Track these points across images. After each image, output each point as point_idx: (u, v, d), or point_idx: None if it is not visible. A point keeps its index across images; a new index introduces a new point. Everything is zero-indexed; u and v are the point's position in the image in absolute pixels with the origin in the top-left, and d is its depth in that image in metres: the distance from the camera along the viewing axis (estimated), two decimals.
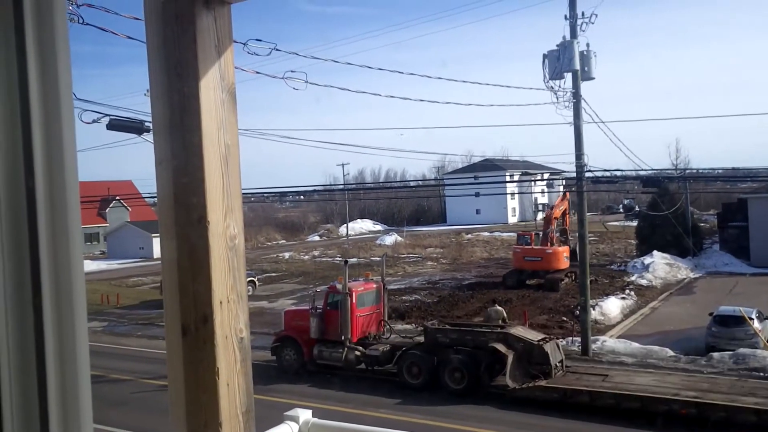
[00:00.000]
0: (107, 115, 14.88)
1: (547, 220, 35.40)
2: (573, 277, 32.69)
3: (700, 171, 51.64)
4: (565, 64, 21.58)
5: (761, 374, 18.03)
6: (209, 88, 1.46)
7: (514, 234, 44.52)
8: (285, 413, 2.80)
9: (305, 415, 2.80)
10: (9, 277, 0.95)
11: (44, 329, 0.97)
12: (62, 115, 0.99)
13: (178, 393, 1.47)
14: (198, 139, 1.43)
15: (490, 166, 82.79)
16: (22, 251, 0.96)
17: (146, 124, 15.28)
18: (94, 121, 14.43)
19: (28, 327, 0.96)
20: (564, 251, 33.96)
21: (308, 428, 2.78)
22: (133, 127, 15.57)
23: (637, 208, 65.78)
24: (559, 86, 21.79)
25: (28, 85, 0.96)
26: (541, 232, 35.12)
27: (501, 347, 17.19)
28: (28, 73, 0.96)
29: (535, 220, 37.58)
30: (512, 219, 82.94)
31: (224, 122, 1.50)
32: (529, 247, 34.24)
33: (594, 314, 25.03)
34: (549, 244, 34.57)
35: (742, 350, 19.57)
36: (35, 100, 0.97)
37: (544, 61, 22.00)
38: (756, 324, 20.54)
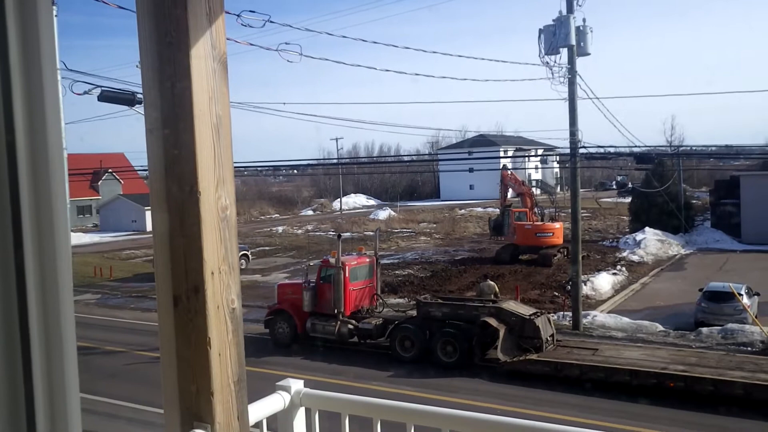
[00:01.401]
0: (99, 86, 14.74)
1: (530, 196, 35.62)
2: (565, 253, 32.87)
3: (694, 148, 51.69)
4: (561, 39, 21.44)
5: (749, 349, 18.27)
6: (200, 58, 1.45)
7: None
8: (277, 383, 2.82)
9: (297, 385, 2.82)
10: None
11: (28, 301, 0.96)
12: (44, 75, 0.97)
13: (170, 362, 1.48)
14: (189, 108, 1.42)
15: (484, 141, 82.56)
16: (4, 218, 0.95)
17: (138, 96, 15.14)
18: (85, 93, 14.30)
19: (11, 296, 0.96)
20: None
21: (300, 398, 2.81)
22: (125, 98, 15.42)
23: (630, 185, 65.93)
24: (555, 62, 21.70)
25: (8, 44, 0.94)
26: (526, 209, 35.27)
27: (493, 321, 17.33)
28: (7, 32, 0.94)
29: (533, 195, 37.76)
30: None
31: (216, 92, 1.48)
32: (541, 223, 34.25)
33: (585, 289, 25.22)
34: (540, 219, 34.83)
35: (730, 325, 19.81)
36: (15, 59, 0.94)
37: (539, 36, 21.84)
38: (745, 300, 20.77)
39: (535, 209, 35.30)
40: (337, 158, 73.05)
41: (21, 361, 0.96)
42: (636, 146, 31.50)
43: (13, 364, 0.95)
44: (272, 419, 2.79)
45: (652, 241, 37.05)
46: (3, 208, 0.94)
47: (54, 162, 0.96)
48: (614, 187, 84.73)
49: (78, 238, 52.83)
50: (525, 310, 18.10)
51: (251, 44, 14.93)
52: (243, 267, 32.58)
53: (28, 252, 0.96)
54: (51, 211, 0.97)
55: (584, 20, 22.03)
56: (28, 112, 0.95)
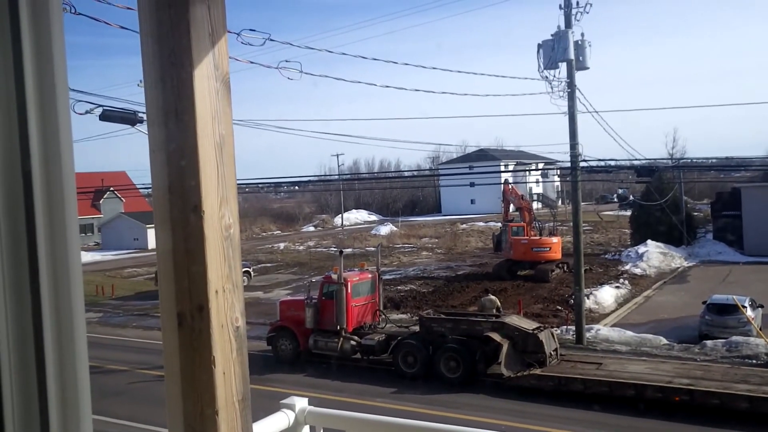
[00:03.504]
0: (100, 105, 14.79)
1: (528, 210, 35.32)
2: (565, 268, 32.71)
3: (694, 160, 51.77)
4: (560, 53, 21.56)
5: (754, 361, 18.17)
6: (203, 78, 1.46)
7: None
8: (281, 401, 2.82)
9: (302, 403, 2.81)
10: (7, 267, 0.96)
11: (42, 317, 0.98)
12: (58, 105, 0.99)
13: (174, 381, 1.48)
14: (192, 128, 1.43)
15: (484, 156, 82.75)
16: (20, 243, 0.97)
17: (140, 114, 15.20)
18: (87, 112, 14.34)
19: (26, 315, 0.97)
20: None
21: (305, 416, 2.80)
22: (127, 117, 15.47)
23: (631, 198, 65.89)
24: (554, 76, 21.81)
25: (24, 75, 0.96)
26: (523, 223, 34.97)
27: (496, 336, 17.26)
28: (23, 63, 0.96)
29: (532, 209, 37.40)
30: None
31: (218, 112, 1.50)
32: (538, 238, 33.83)
33: (588, 303, 25.14)
34: (539, 233, 34.54)
35: (735, 338, 19.71)
36: (31, 90, 0.97)
37: (538, 51, 21.98)
38: (749, 312, 20.68)
39: (534, 223, 35.00)
40: (338, 174, 73.18)
41: (36, 381, 0.97)
42: (636, 159, 31.52)
43: (27, 379, 0.97)
44: None
45: (654, 254, 36.99)
46: (19, 232, 0.96)
47: (67, 189, 0.99)
48: (615, 200, 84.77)
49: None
50: (528, 325, 18.04)
51: (252, 62, 15.01)
52: (245, 284, 32.50)
53: (43, 275, 0.97)
54: (65, 237, 0.99)
55: (583, 35, 22.20)
56: (44, 140, 0.98)
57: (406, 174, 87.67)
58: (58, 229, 0.99)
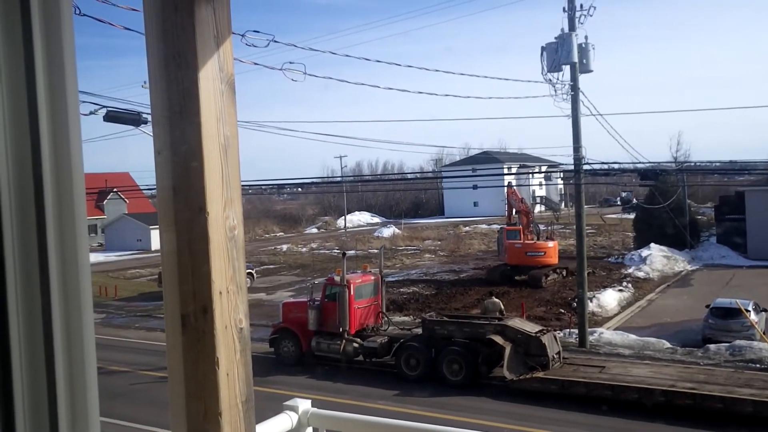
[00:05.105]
0: (104, 106, 14.83)
1: (526, 213, 34.88)
2: (564, 273, 32.51)
3: (698, 164, 51.69)
4: (564, 56, 21.56)
5: (757, 366, 18.12)
6: (208, 80, 1.46)
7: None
8: (284, 403, 2.82)
9: (304, 405, 2.81)
10: (18, 268, 0.96)
11: (52, 318, 0.99)
12: (68, 107, 1.00)
13: (177, 383, 1.48)
14: (197, 130, 1.43)
15: (488, 158, 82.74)
16: (30, 245, 0.97)
17: (143, 116, 15.24)
18: (91, 113, 14.39)
19: (36, 316, 0.98)
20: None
21: (307, 418, 2.80)
22: (131, 118, 15.51)
23: (634, 201, 65.80)
24: (558, 79, 21.81)
25: (35, 77, 0.97)
26: (519, 226, 34.48)
27: (499, 339, 17.24)
28: (35, 65, 0.97)
29: (530, 212, 36.86)
30: None
31: (223, 113, 1.50)
32: (532, 242, 33.20)
33: (591, 306, 25.09)
34: (536, 237, 34.18)
35: (738, 342, 19.67)
36: (42, 91, 0.97)
37: (542, 54, 21.98)
38: (752, 316, 20.63)
39: (532, 227, 34.54)
40: (341, 176, 73.21)
41: (45, 380, 0.98)
42: (640, 162, 31.43)
43: (37, 379, 0.97)
44: None
45: (657, 257, 36.91)
46: (29, 233, 0.97)
47: (77, 190, 0.99)
48: (619, 203, 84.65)
49: None
50: (531, 328, 18.01)
51: (256, 63, 15.02)
52: (248, 285, 32.50)
53: (53, 276, 0.98)
54: (75, 238, 1.00)
55: (586, 38, 22.20)
56: (54, 142, 0.98)
57: (410, 176, 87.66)
58: (68, 231, 1.00)
